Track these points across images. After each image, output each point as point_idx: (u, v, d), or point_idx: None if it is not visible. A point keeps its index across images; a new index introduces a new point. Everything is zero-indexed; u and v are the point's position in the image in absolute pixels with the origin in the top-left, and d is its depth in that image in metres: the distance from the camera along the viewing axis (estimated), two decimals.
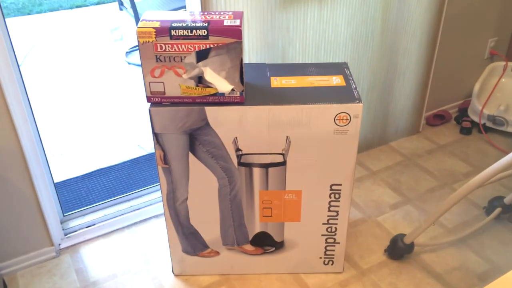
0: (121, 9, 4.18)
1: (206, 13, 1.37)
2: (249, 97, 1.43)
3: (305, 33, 1.88)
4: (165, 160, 1.50)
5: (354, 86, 1.49)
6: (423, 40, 2.22)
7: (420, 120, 2.52)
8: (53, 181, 1.87)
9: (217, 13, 1.36)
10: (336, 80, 1.51)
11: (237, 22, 1.29)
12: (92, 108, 3.02)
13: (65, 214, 1.95)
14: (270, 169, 1.53)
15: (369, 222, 2.01)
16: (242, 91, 1.39)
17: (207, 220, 1.64)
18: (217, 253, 1.72)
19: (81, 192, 2.16)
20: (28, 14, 4.61)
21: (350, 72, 1.57)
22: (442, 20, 2.24)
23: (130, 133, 2.72)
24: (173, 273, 1.78)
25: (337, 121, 1.43)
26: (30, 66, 3.59)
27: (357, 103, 1.41)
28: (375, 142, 2.43)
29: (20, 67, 1.62)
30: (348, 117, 1.42)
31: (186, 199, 1.58)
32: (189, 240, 1.68)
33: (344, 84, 1.49)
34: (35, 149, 1.66)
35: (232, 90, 1.38)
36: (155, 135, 1.46)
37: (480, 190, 2.08)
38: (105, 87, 3.29)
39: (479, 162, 2.34)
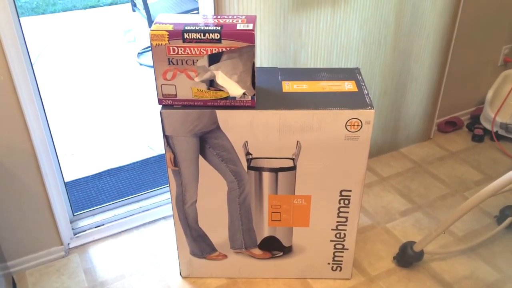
0: (134, 10, 4.21)
1: (219, 17, 1.37)
2: (261, 101, 1.43)
3: (317, 37, 1.87)
4: (175, 163, 1.50)
5: (366, 91, 1.48)
6: (436, 45, 2.20)
7: (431, 127, 2.50)
8: (63, 180, 1.88)
9: (230, 16, 1.36)
10: (348, 86, 1.50)
11: (250, 26, 1.29)
12: (104, 108, 3.04)
13: (74, 214, 1.96)
14: (280, 174, 1.53)
15: (378, 229, 1.99)
16: (254, 95, 1.39)
17: (215, 223, 1.63)
18: (225, 256, 1.71)
19: (91, 192, 2.17)
20: (42, 13, 4.66)
21: (362, 77, 1.56)
22: (456, 25, 2.22)
23: (140, 134, 2.73)
24: (181, 275, 1.78)
25: (348, 127, 1.42)
26: (43, 65, 3.62)
27: (369, 109, 1.40)
28: (386, 148, 2.41)
29: (33, 66, 1.63)
30: (360, 123, 1.41)
31: (195, 201, 1.58)
32: (197, 242, 1.68)
33: (356, 90, 1.49)
34: (47, 148, 1.67)
35: (244, 94, 1.38)
36: (166, 137, 1.46)
37: (491, 199, 2.05)
38: (117, 88, 3.31)
39: (491, 170, 2.32)
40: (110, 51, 3.86)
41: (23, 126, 1.57)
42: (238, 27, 1.29)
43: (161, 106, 1.42)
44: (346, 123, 1.41)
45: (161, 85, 1.37)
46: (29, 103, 1.56)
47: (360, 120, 1.41)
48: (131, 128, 2.80)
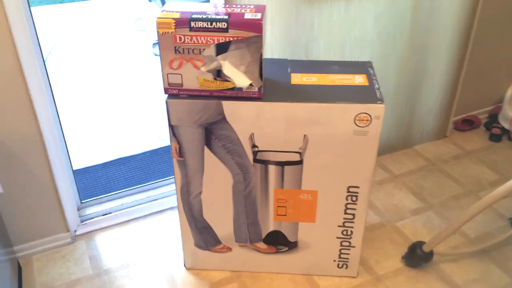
0: (150, 0, 4.20)
1: (228, 6, 1.34)
2: (268, 93, 1.40)
3: (330, 29, 1.83)
4: (180, 153, 1.49)
5: (377, 86, 1.44)
6: (454, 41, 2.13)
7: (447, 124, 2.44)
8: (72, 168, 1.88)
9: (239, 6, 1.33)
10: (359, 79, 1.46)
11: (258, 16, 1.26)
12: (116, 97, 3.05)
13: (82, 201, 1.96)
14: (286, 168, 1.50)
15: (387, 227, 1.95)
16: (261, 86, 1.36)
17: (220, 215, 1.62)
18: (230, 249, 1.70)
19: (100, 180, 2.17)
20: (61, 2, 4.69)
21: (374, 71, 1.52)
22: (476, 21, 2.15)
23: (152, 124, 2.73)
24: (185, 267, 1.77)
25: (357, 122, 1.38)
26: (56, 55, 3.64)
27: (379, 103, 1.36)
28: (399, 144, 2.36)
29: (49, 55, 1.63)
30: (369, 118, 1.37)
31: (200, 193, 1.57)
32: (202, 234, 1.66)
33: (367, 84, 1.45)
34: (55, 136, 1.67)
35: (251, 85, 1.35)
36: (171, 127, 1.44)
37: (506, 201, 1.99)
38: (129, 78, 3.32)
39: (507, 170, 2.25)
40: (122, 40, 3.86)
41: (31, 113, 1.57)
42: (246, 17, 1.26)
43: (167, 95, 1.40)
44: (355, 117, 1.37)
45: (167, 74, 1.35)
46: (38, 91, 1.55)
47: (369, 115, 1.37)
48: (144, 118, 2.80)
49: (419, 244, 1.73)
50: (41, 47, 1.62)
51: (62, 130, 1.79)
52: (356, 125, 1.39)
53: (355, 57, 1.95)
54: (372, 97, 1.38)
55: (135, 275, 1.75)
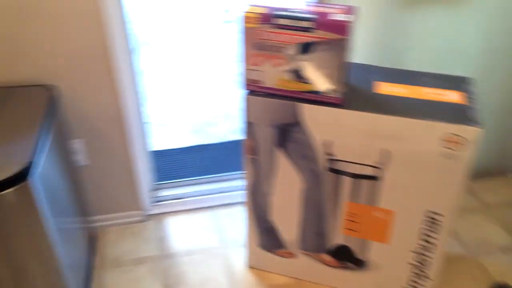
0: None
1: (318, 5, 1.27)
2: (349, 100, 1.32)
3: (426, 38, 1.67)
4: (253, 151, 1.46)
5: (475, 106, 1.28)
6: None
7: None
8: (150, 149, 1.94)
9: (330, 6, 1.26)
10: (454, 96, 1.32)
11: (348, 18, 1.18)
12: (199, 85, 3.10)
13: (157, 183, 2.02)
14: (362, 181, 1.41)
15: (470, 261, 1.76)
16: (343, 92, 1.28)
17: (287, 219, 1.57)
18: (293, 255, 1.64)
19: (176, 165, 2.22)
20: None
21: (474, 89, 1.36)
22: None
23: (235, 116, 2.74)
24: (247, 264, 1.75)
25: (445, 143, 1.25)
26: (142, 36, 3.77)
27: (474, 126, 1.21)
28: (495, 171, 2.13)
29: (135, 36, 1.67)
30: (460, 141, 1.23)
31: (269, 194, 1.53)
32: (267, 235, 1.63)
33: (464, 102, 1.30)
34: (136, 115, 1.74)
35: (331, 90, 1.28)
36: (248, 123, 1.42)
37: None
38: (219, 68, 3.35)
39: None
40: (206, 28, 3.90)
41: (117, 93, 1.62)
42: (334, 18, 1.18)
43: (245, 91, 1.38)
44: (443, 138, 1.24)
45: (247, 70, 1.32)
46: (124, 71, 1.62)
47: (460, 137, 1.23)
48: (230, 108, 2.82)
49: (505, 286, 1.54)
50: (127, 26, 1.65)
51: (142, 111, 1.85)
52: (445, 146, 1.25)
53: (452, 71, 1.77)
54: (466, 118, 1.24)
55: (198, 264, 1.77)
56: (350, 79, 1.38)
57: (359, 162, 1.37)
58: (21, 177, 1.17)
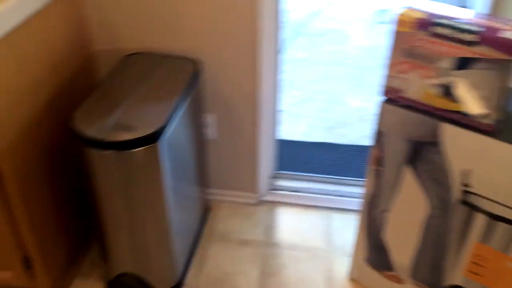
0: None
1: (487, 17, 1.11)
2: (503, 130, 1.14)
3: None
4: (379, 162, 1.36)
5: None
6: None
7: None
8: (277, 137, 1.94)
9: (501, 20, 1.09)
10: None
11: None
12: (346, 85, 3.00)
13: (277, 172, 2.02)
14: (499, 224, 1.22)
15: None
16: (496, 119, 1.11)
17: (401, 242, 1.44)
18: (401, 281, 1.52)
19: (300, 158, 2.19)
20: None
21: None
22: None
23: (367, 121, 2.60)
24: (348, 276, 1.67)
25: None
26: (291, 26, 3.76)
27: None
28: None
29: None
30: None
31: (387, 210, 1.42)
32: (376, 252, 1.52)
33: None
34: (271, 102, 1.74)
35: (484, 114, 1.11)
36: (378, 132, 1.32)
37: None
38: (365, 68, 3.21)
39: None
40: (356, 27, 3.74)
41: (257, 77, 1.64)
42: (504, 35, 1.02)
43: (383, 98, 1.28)
44: None
45: (390, 76, 1.22)
46: (267, 57, 1.62)
47: None
48: (366, 112, 2.69)
49: None
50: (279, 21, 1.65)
51: (277, 99, 1.84)
52: None
53: None
54: None
55: (299, 260, 1.74)
56: (508, 106, 1.19)
57: (501, 202, 1.19)
58: (151, 139, 1.26)
